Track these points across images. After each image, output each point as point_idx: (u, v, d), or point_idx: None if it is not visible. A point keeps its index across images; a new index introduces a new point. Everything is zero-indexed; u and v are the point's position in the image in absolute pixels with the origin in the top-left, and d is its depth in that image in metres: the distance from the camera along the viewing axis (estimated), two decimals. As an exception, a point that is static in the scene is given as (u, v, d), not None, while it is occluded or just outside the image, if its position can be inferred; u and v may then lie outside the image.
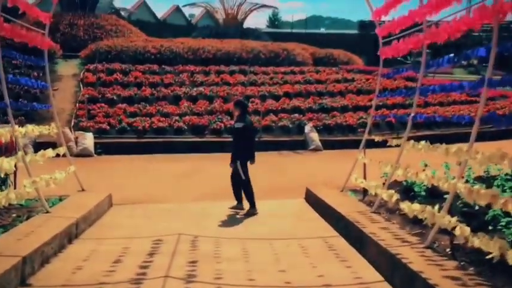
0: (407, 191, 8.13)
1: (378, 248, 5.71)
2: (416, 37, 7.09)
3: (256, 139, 17.19)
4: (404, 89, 19.47)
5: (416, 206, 6.14)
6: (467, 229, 4.94)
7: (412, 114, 7.28)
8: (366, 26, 56.00)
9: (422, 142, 6.66)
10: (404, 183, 8.49)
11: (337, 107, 20.57)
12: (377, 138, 8.70)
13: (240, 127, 8.73)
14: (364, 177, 8.77)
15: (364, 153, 9.02)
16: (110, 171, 13.18)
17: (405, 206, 6.39)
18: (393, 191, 7.06)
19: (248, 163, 8.92)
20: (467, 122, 6.07)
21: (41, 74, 20.28)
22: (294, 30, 59.58)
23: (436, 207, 5.61)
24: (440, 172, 7.99)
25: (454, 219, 5.17)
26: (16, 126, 7.06)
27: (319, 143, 17.48)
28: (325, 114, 19.70)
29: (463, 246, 5.28)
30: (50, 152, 8.09)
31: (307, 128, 17.98)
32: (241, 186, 8.92)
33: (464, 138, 16.99)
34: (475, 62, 39.68)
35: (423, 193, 7.85)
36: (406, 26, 7.46)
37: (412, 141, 6.95)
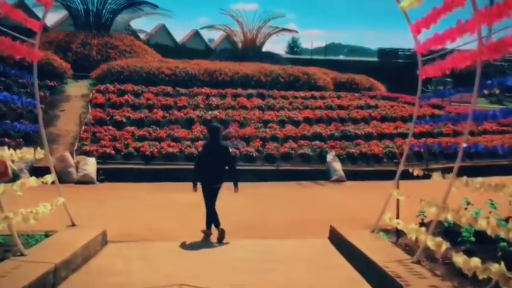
0: (449, 234, 6.93)
1: (433, 319, 4.42)
2: (469, 52, 5.85)
3: (274, 167, 16.26)
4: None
5: (475, 261, 4.85)
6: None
7: (464, 144, 6.00)
8: (385, 54, 55.33)
9: (479, 179, 5.39)
10: (446, 224, 7.27)
11: (360, 135, 19.19)
12: (416, 172, 7.41)
13: (218, 149, 8.85)
14: (397, 216, 7.58)
15: (398, 186, 7.81)
16: (111, 201, 11.93)
17: (460, 259, 5.07)
18: (441, 239, 5.75)
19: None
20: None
21: (48, 94, 19.33)
22: (314, 57, 58.59)
23: (503, 265, 4.37)
24: (485, 211, 6.90)
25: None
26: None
27: (343, 173, 16.12)
28: (348, 142, 18.34)
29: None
30: (32, 181, 6.91)
31: (329, 157, 16.65)
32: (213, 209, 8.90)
33: (497, 170, 15.96)
34: (497, 91, 38.37)
35: (472, 238, 6.62)
36: (453, 39, 6.24)
37: (465, 178, 5.65)
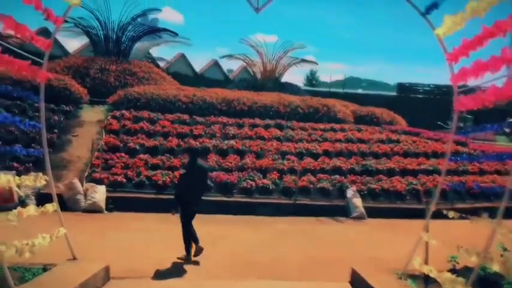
0: (485, 283, 6.26)
1: None
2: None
3: (291, 201, 15.56)
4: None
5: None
6: None
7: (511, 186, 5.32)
8: (404, 88, 54.95)
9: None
10: (481, 272, 6.58)
11: (382, 170, 18.38)
12: (452, 214, 6.75)
13: (196, 170, 9.13)
14: (426, 261, 6.94)
15: (427, 229, 7.16)
16: (118, 232, 11.27)
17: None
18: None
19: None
20: None
21: (62, 118, 18.91)
22: (332, 90, 58.17)
23: None
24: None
25: None
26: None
27: (363, 210, 15.33)
28: (369, 177, 17.57)
29: None
30: (31, 210, 6.36)
31: (349, 192, 15.91)
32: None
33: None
34: (514, 130, 37.60)
35: (516, 292, 5.93)
36: (498, 68, 5.62)
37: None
